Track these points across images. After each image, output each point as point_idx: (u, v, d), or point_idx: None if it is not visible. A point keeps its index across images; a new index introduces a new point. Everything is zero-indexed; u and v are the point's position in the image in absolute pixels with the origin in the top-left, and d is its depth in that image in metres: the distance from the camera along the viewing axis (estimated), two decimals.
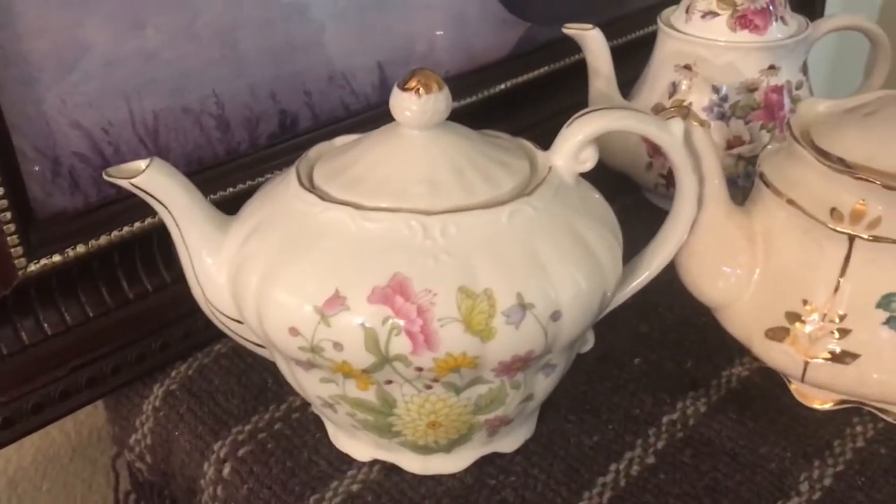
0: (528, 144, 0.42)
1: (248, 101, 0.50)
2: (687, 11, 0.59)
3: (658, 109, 0.60)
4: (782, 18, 0.57)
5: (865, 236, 0.39)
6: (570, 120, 0.40)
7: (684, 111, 0.42)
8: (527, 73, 0.65)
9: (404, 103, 0.38)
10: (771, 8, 0.57)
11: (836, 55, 1.17)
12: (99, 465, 0.58)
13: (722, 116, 0.58)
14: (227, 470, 0.43)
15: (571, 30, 0.59)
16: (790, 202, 0.41)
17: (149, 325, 0.48)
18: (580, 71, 0.62)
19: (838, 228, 0.39)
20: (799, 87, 0.59)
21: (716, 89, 0.58)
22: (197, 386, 0.47)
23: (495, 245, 0.36)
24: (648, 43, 0.62)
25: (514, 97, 0.65)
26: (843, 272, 0.40)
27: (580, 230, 0.38)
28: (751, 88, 0.57)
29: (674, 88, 0.59)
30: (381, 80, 0.57)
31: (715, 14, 0.57)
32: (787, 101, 0.58)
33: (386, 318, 0.34)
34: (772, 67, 0.57)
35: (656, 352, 0.50)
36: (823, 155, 0.41)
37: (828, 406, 0.45)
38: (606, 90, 0.61)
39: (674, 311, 0.52)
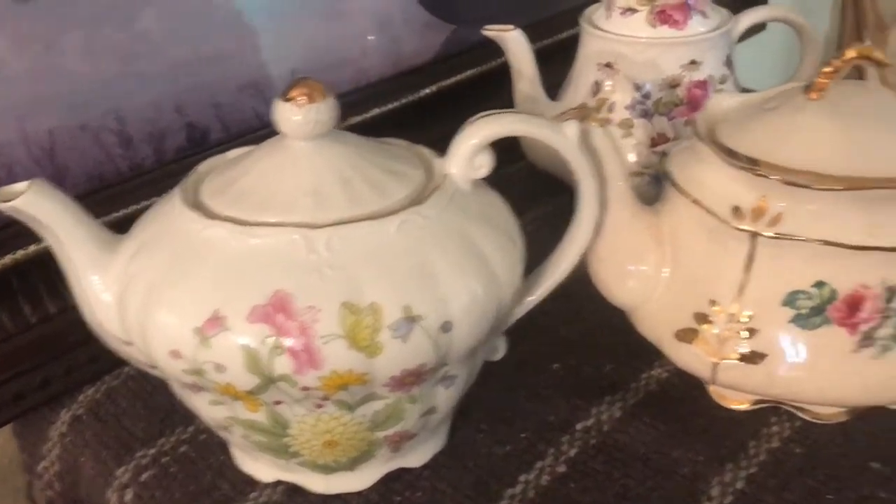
0: (426, 152, 0.41)
1: (152, 116, 0.49)
2: (607, 9, 0.58)
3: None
4: (702, 12, 0.57)
5: (767, 234, 0.38)
6: (463, 126, 0.39)
7: (584, 112, 0.41)
8: (454, 75, 0.64)
9: (287, 114, 0.37)
10: (690, 2, 0.56)
11: (785, 47, 1.17)
12: (22, 493, 0.57)
13: (645, 114, 0.57)
14: (129, 496, 0.41)
15: (492, 32, 0.58)
16: (695, 202, 0.41)
17: (52, 350, 0.46)
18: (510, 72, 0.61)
19: (740, 227, 0.39)
20: (723, 81, 0.58)
21: (638, 87, 0.57)
22: (104, 410, 0.46)
23: (383, 257, 0.35)
24: (577, 43, 0.61)
25: (443, 101, 0.64)
26: (747, 271, 0.39)
27: (475, 238, 0.37)
28: (672, 84, 0.57)
29: (597, 87, 0.58)
30: None
31: (634, 10, 0.57)
32: (711, 95, 0.58)
33: (267, 338, 0.33)
34: (693, 62, 0.56)
35: (576, 356, 0.49)
36: (725, 151, 0.40)
37: (745, 406, 0.44)
38: (531, 92, 0.60)
39: (596, 314, 0.51)
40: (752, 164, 0.39)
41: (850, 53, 0.39)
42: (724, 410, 0.44)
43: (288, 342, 0.33)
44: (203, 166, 0.40)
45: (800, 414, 0.44)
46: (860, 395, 0.40)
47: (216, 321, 0.34)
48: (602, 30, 0.57)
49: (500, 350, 0.44)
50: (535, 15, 0.70)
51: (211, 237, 0.35)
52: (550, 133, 0.38)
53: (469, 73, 0.65)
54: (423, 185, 0.38)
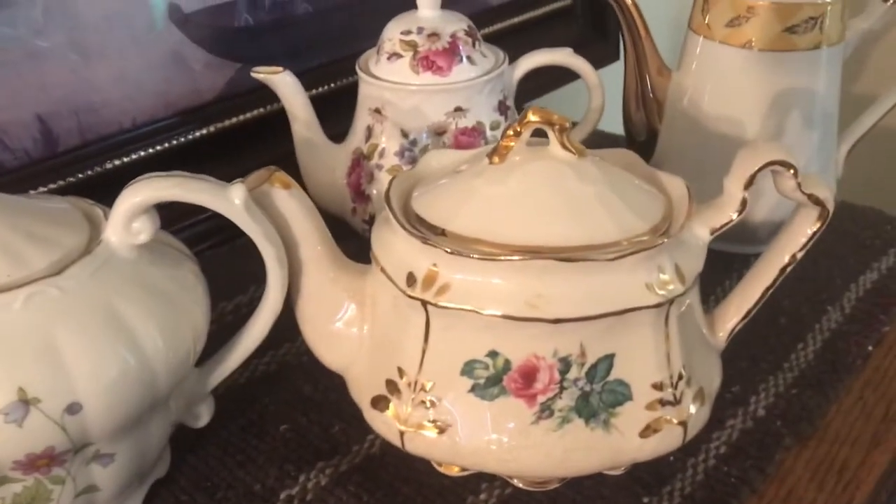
0: (102, 214, 0.39)
1: None
2: (378, 53, 0.57)
3: (357, 153, 0.58)
4: (469, 58, 0.56)
5: (437, 303, 0.37)
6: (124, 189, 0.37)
7: (267, 174, 0.39)
8: (236, 115, 0.63)
9: None
10: (459, 47, 0.55)
11: None
12: None
13: (413, 161, 0.56)
14: None
15: (260, 74, 0.57)
16: (382, 268, 0.39)
17: None
18: None
19: (413, 295, 0.37)
20: (495, 127, 0.57)
21: (405, 133, 0.56)
22: None
23: (3, 335, 0.33)
24: None
25: (227, 141, 0.63)
26: (426, 340, 0.38)
27: (124, 311, 0.35)
28: (438, 132, 0.56)
29: (369, 132, 0.57)
30: (45, 132, 0.54)
31: (399, 56, 0.55)
32: (482, 143, 0.57)
33: None
34: (458, 109, 0.55)
35: (309, 416, 0.47)
36: (408, 216, 0.39)
37: (456, 472, 0.43)
38: (307, 135, 0.59)
39: None
40: (425, 231, 0.38)
41: (531, 117, 0.38)
42: (438, 476, 0.43)
43: None
44: None
45: (511, 481, 0.42)
46: (541, 467, 0.38)
47: None
48: (371, 74, 0.56)
49: (202, 417, 0.42)
50: (336, 52, 0.68)
51: None
52: (212, 198, 0.37)
53: (256, 112, 0.64)
54: (75, 253, 0.36)
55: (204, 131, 0.61)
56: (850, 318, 0.55)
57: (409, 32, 0.56)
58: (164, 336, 0.36)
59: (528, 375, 0.37)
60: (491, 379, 0.37)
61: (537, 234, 0.37)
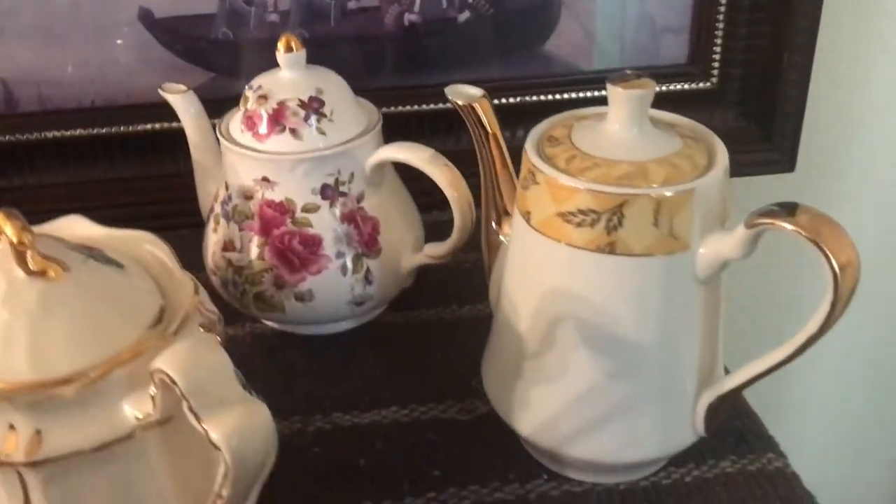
0: None
1: None
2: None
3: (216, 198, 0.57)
4: (294, 131, 0.51)
5: None
6: None
7: None
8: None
9: None
10: (284, 117, 0.51)
11: None
12: None
13: (227, 216, 0.54)
14: None
15: (166, 93, 0.58)
16: None
17: None
18: None
19: None
20: (310, 210, 0.52)
21: (227, 185, 0.54)
22: None
23: None
24: None
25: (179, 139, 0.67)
26: None
27: None
28: (247, 196, 0.53)
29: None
30: (6, 95, 0.64)
31: (238, 108, 0.53)
32: (288, 222, 0.52)
33: None
34: (266, 180, 0.52)
35: None
36: None
37: None
38: (205, 162, 0.59)
39: None
40: None
41: None
42: None
43: None
44: None
45: None
46: None
47: None
48: (224, 127, 0.54)
49: None
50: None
51: None
52: None
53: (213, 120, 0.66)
54: None
55: (157, 125, 0.66)
56: None
57: (251, 87, 0.53)
58: None
59: None
60: None
61: None
